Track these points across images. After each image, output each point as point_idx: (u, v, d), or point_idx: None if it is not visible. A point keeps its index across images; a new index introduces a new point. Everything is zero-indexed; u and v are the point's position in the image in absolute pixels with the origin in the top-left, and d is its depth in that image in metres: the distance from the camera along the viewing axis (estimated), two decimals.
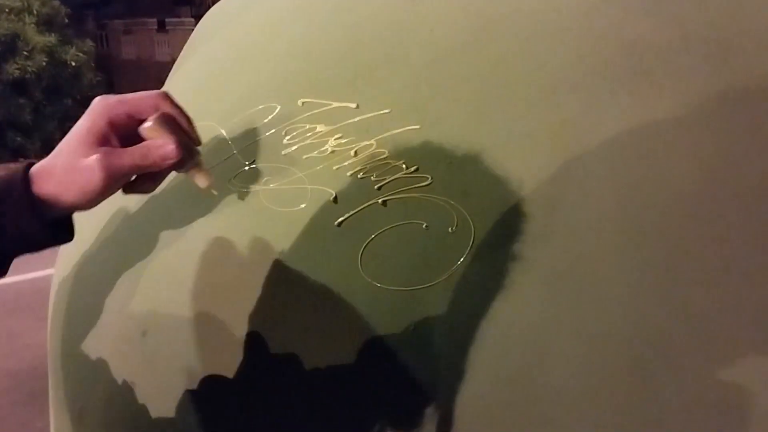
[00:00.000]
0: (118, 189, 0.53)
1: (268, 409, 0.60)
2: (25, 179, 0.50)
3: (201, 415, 0.62)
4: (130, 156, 0.51)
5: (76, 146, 0.51)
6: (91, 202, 0.51)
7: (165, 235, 0.69)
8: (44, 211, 0.50)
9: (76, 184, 0.50)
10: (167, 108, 0.53)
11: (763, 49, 0.65)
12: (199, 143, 0.56)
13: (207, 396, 0.62)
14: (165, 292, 0.67)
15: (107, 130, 0.51)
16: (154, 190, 0.56)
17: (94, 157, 0.50)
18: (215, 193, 0.62)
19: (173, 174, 0.57)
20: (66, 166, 0.50)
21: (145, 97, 0.53)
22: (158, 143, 0.52)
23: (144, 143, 0.52)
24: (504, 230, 0.56)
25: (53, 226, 0.51)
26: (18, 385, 2.63)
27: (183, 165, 0.54)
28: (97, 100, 0.52)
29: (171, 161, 0.52)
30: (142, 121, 0.52)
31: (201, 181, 0.56)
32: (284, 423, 0.59)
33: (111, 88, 8.27)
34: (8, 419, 2.45)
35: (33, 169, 0.51)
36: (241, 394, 0.61)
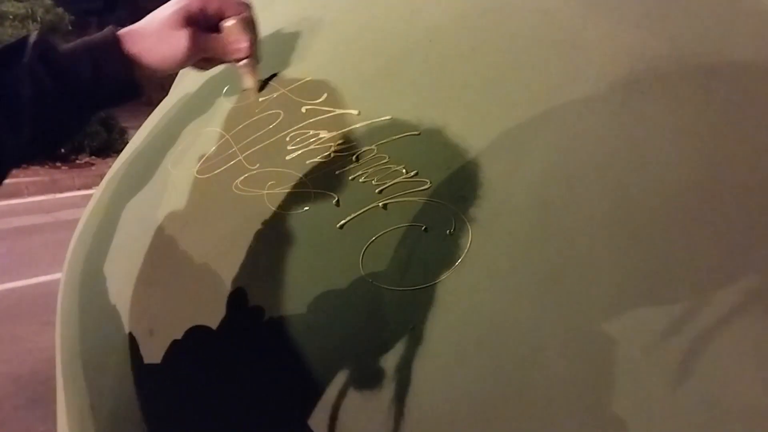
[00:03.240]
0: (191, 63, 0.64)
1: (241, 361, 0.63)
2: (118, 38, 0.60)
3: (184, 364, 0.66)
4: (212, 41, 0.64)
5: (170, 19, 0.61)
6: (169, 68, 0.62)
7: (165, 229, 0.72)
8: (132, 68, 0.60)
9: (162, 49, 0.61)
10: (249, 14, 0.66)
11: (750, 58, 0.67)
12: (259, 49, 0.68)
13: (189, 344, 0.65)
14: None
15: (198, 14, 0.62)
16: (207, 69, 0.70)
17: (187, 30, 0.61)
18: (255, 95, 0.73)
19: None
20: (158, 32, 0.61)
21: (234, 0, 0.65)
22: (237, 39, 0.65)
23: (224, 35, 0.65)
24: (500, 233, 0.58)
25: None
26: (20, 390, 2.64)
27: (244, 62, 0.67)
28: None
29: (241, 56, 0.66)
30: (225, 18, 0.64)
31: (248, 81, 0.70)
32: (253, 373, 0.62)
33: None
34: (10, 423, 2.45)
35: (122, 31, 0.61)
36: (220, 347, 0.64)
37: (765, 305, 0.54)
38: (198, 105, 0.82)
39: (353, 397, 0.56)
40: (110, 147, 6.82)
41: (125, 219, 0.78)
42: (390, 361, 0.56)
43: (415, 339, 0.56)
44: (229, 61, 0.67)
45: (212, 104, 0.79)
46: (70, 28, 7.57)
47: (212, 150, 0.73)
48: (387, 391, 0.55)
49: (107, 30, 0.61)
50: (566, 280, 0.55)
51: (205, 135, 0.76)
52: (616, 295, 0.54)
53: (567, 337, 0.54)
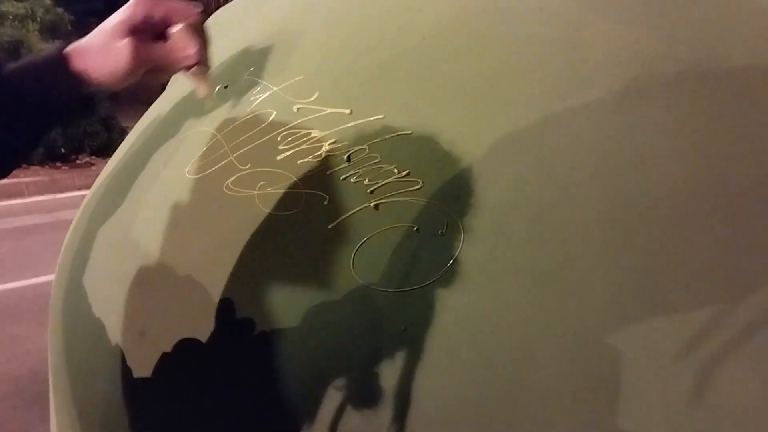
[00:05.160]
0: (139, 75, 0.62)
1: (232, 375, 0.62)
2: (64, 56, 0.58)
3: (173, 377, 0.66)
4: (158, 49, 0.61)
5: (114, 31, 0.59)
6: (116, 81, 0.60)
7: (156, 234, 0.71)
8: (79, 86, 0.59)
9: (107, 64, 0.59)
10: (196, 20, 0.63)
11: (748, 58, 0.66)
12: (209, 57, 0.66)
13: (179, 358, 0.65)
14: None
15: (142, 24, 0.60)
16: (162, 81, 0.66)
17: (127, 40, 0.59)
18: (209, 104, 0.71)
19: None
20: (101, 45, 0.59)
21: (180, 6, 0.62)
22: (183, 45, 0.62)
23: (171, 42, 0.62)
24: (492, 233, 0.57)
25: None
26: (19, 390, 2.64)
27: (194, 69, 0.63)
28: None
29: (190, 62, 0.62)
30: (172, 24, 0.61)
31: (201, 90, 0.66)
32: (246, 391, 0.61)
33: (113, 95, 8.32)
34: (9, 424, 2.45)
35: (69, 48, 0.59)
36: (209, 359, 0.63)
37: None
38: (166, 130, 0.81)
39: (352, 416, 0.55)
40: (110, 147, 6.81)
41: (101, 237, 0.78)
42: (388, 375, 0.55)
43: (415, 352, 0.55)
44: (178, 70, 0.64)
45: (180, 129, 0.79)
46: (70, 28, 7.56)
47: (203, 150, 0.73)
48: (387, 409, 0.54)
49: (54, 47, 0.60)
50: (562, 284, 0.55)
51: (196, 135, 0.75)
52: (615, 302, 0.53)
53: (563, 342, 0.53)
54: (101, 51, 0.59)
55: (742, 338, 0.52)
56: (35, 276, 3.64)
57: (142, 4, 0.60)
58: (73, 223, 0.90)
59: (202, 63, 0.63)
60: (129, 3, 0.60)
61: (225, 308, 0.62)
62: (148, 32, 0.61)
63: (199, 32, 0.63)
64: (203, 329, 0.62)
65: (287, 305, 0.60)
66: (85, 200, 0.91)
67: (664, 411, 0.51)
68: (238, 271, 0.63)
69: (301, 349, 0.58)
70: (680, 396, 0.51)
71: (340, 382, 0.56)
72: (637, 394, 0.51)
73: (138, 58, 0.59)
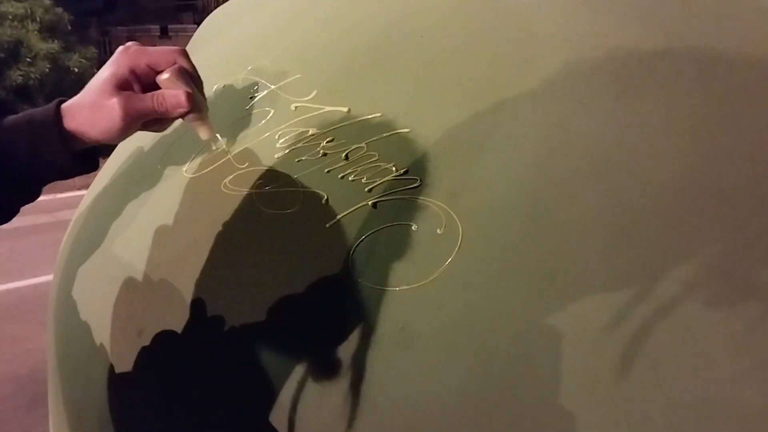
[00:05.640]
0: (137, 128, 0.60)
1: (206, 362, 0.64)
2: (58, 115, 0.57)
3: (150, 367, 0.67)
4: (148, 101, 0.59)
5: (101, 89, 0.57)
6: (113, 138, 0.59)
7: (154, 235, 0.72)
8: (74, 144, 0.58)
9: (100, 122, 0.57)
10: (184, 63, 0.60)
11: (746, 55, 0.66)
12: (205, 99, 0.63)
13: (156, 350, 0.66)
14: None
15: (129, 76, 0.58)
16: (163, 130, 0.64)
17: (116, 99, 0.57)
18: (214, 147, 0.69)
19: None
20: (91, 105, 0.57)
21: (165, 51, 0.60)
22: (173, 92, 0.59)
23: (160, 91, 0.59)
24: (490, 232, 0.57)
25: (82, 157, 0.59)
26: (20, 390, 2.64)
27: (190, 115, 0.61)
28: (120, 49, 0.59)
29: (182, 110, 0.59)
30: (160, 71, 0.59)
31: (203, 133, 0.62)
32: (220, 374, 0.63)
33: None
34: (10, 424, 2.45)
35: (64, 105, 0.58)
36: (185, 349, 0.65)
37: (702, 296, 0.54)
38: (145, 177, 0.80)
39: (311, 388, 0.57)
40: (111, 147, 6.81)
41: (82, 273, 0.79)
42: (387, 377, 0.56)
43: (414, 351, 0.55)
44: (175, 118, 0.61)
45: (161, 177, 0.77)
46: (69, 28, 7.56)
47: (202, 149, 0.73)
48: (344, 380, 0.56)
49: (50, 105, 0.58)
50: (557, 278, 0.55)
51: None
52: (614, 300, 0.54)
53: (560, 340, 0.53)
54: (93, 109, 0.57)
55: (667, 311, 0.53)
56: (35, 276, 3.65)
57: (125, 56, 0.58)
58: (59, 254, 0.91)
59: (197, 107, 0.60)
60: (113, 57, 0.59)
61: (198, 305, 0.63)
62: (138, 82, 0.59)
63: (186, 77, 0.60)
64: (182, 322, 0.64)
65: (286, 303, 0.60)
66: (66, 234, 0.92)
67: (597, 384, 0.52)
68: (232, 269, 0.63)
69: (272, 343, 0.60)
70: (609, 368, 0.52)
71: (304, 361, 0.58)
72: (573, 373, 0.52)
73: (130, 114, 0.57)
